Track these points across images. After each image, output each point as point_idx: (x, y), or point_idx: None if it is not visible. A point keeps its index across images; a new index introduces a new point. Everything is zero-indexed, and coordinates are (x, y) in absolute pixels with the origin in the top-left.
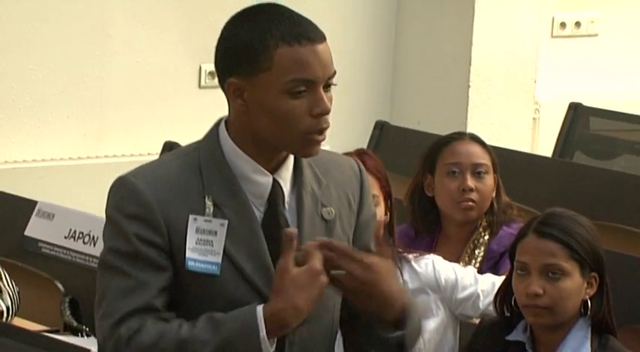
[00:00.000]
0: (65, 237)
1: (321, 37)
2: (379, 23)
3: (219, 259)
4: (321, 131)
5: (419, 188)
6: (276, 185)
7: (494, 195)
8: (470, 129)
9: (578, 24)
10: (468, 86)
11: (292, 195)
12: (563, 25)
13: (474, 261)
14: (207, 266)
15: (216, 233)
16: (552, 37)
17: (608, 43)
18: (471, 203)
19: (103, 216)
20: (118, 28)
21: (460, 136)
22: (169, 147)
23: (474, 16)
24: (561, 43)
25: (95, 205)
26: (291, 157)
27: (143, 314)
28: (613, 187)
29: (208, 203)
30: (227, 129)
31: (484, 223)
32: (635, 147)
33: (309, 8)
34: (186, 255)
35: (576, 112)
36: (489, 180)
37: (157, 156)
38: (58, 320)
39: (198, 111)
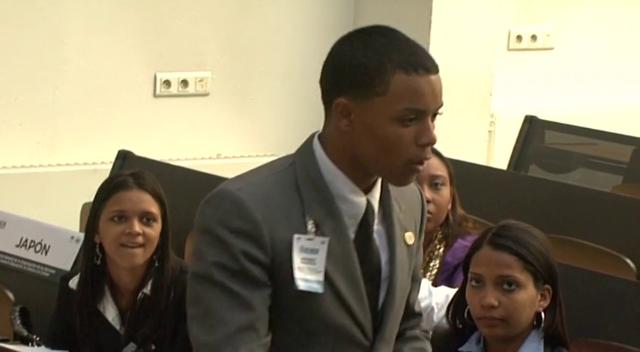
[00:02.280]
0: (16, 246)
1: (436, 68)
2: (337, 34)
3: (322, 277)
4: (423, 161)
5: None
6: (369, 206)
7: (449, 207)
8: None
9: (534, 37)
10: None
11: (379, 217)
12: (519, 38)
13: (429, 273)
14: (311, 285)
15: (317, 251)
16: (508, 50)
17: (563, 56)
18: (427, 214)
19: (55, 224)
20: (73, 35)
21: None
22: (123, 156)
23: (430, 28)
24: (517, 56)
25: (47, 213)
26: (379, 180)
27: (246, 334)
28: (567, 200)
29: (309, 221)
30: (322, 146)
31: (439, 235)
32: (589, 160)
33: (268, 16)
34: (295, 274)
35: (531, 125)
36: (446, 192)
37: (110, 166)
38: (8, 329)
39: (153, 120)
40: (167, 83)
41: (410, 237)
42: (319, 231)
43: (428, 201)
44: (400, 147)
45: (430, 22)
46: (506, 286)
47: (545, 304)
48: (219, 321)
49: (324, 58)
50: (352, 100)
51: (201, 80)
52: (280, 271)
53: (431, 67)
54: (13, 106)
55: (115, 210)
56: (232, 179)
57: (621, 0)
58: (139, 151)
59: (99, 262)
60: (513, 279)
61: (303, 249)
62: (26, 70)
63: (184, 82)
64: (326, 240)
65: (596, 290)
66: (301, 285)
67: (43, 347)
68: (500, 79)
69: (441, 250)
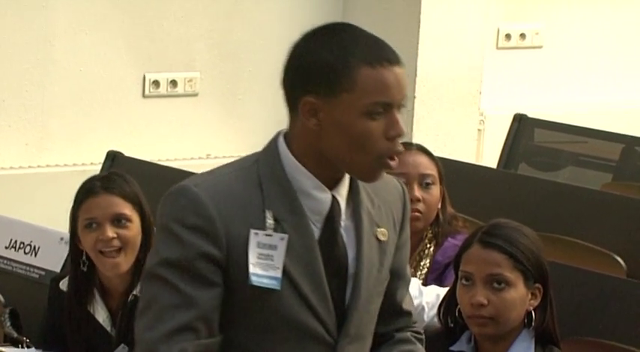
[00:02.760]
0: (6, 247)
1: (399, 60)
2: None
3: (279, 274)
4: (394, 155)
5: None
6: (335, 202)
7: (439, 206)
8: (415, 140)
9: (523, 36)
10: (414, 97)
11: (347, 213)
12: (508, 36)
13: (419, 273)
14: (268, 281)
15: (276, 247)
16: (497, 48)
17: (552, 54)
18: (417, 213)
19: (44, 225)
20: (61, 36)
21: (407, 147)
22: (113, 156)
23: (419, 27)
24: (506, 54)
25: (37, 215)
26: (347, 175)
27: (185, 334)
28: (557, 199)
29: (269, 217)
30: (287, 144)
31: (429, 234)
32: (579, 158)
33: (255, 11)
34: (250, 270)
35: (521, 124)
36: (436, 190)
37: (99, 167)
38: None
39: (142, 120)
40: (156, 83)
41: (383, 233)
42: (280, 227)
43: (418, 200)
44: (370, 141)
45: (419, 20)
46: (495, 285)
47: (536, 303)
48: (160, 318)
49: None
50: (319, 99)
51: (190, 80)
52: (236, 267)
53: (394, 60)
54: (2, 108)
55: (87, 218)
56: (194, 175)
57: None
58: (129, 152)
59: (85, 269)
60: (503, 278)
61: (260, 245)
62: (15, 71)
63: (173, 83)
64: (285, 236)
65: (586, 288)
66: (255, 281)
67: (33, 349)
68: (489, 77)
69: (431, 249)
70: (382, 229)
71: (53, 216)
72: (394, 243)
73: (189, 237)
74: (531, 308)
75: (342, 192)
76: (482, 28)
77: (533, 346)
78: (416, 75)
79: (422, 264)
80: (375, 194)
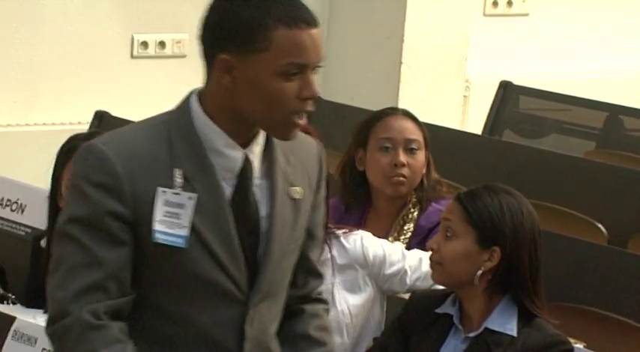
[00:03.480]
0: None
1: (315, 22)
2: None
3: (186, 232)
4: (304, 114)
5: (350, 162)
6: (247, 160)
7: (424, 171)
8: (401, 106)
9: (509, 3)
10: (400, 62)
11: (261, 172)
12: (495, 3)
13: (402, 237)
14: (174, 239)
15: (184, 206)
16: (484, 15)
17: (539, 22)
18: (402, 178)
19: (31, 183)
20: None
21: (394, 112)
22: (100, 116)
23: None
24: (493, 21)
25: (24, 173)
26: (262, 133)
27: (94, 293)
28: (541, 166)
29: (177, 176)
30: (200, 102)
31: (413, 199)
32: (563, 126)
33: None
34: (154, 227)
35: (506, 91)
36: (421, 156)
37: (87, 126)
38: None
39: (130, 80)
40: (144, 44)
41: (297, 192)
42: (189, 185)
43: (403, 165)
44: (283, 101)
45: None
46: (448, 234)
47: (491, 264)
48: (70, 278)
49: None
50: (234, 56)
51: (178, 42)
52: (143, 226)
53: (311, 21)
54: None
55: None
56: (105, 134)
57: None
58: (116, 112)
59: None
60: (451, 226)
61: (167, 203)
62: (3, 30)
63: (162, 44)
64: (194, 195)
65: (567, 255)
66: (159, 238)
67: (18, 305)
68: (475, 44)
69: (415, 214)
70: (296, 188)
71: (40, 175)
72: (310, 202)
73: (96, 195)
74: (485, 268)
75: (255, 150)
76: None
77: (516, 312)
78: (403, 41)
79: (405, 228)
80: (291, 153)
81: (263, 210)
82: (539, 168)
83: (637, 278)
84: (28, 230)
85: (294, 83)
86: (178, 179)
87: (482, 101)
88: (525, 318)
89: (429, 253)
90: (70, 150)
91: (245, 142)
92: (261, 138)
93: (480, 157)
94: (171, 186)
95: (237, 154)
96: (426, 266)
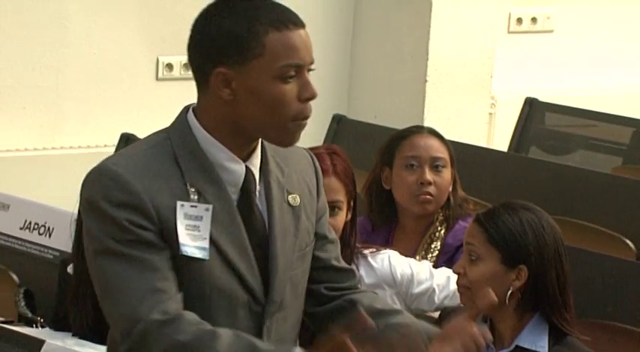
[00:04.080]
0: (20, 228)
1: (302, 23)
2: (337, 16)
3: (207, 244)
4: (307, 117)
5: (376, 181)
6: (249, 173)
7: (450, 189)
8: (426, 124)
9: (534, 20)
10: (425, 80)
11: (260, 183)
12: (519, 20)
13: (430, 255)
14: (197, 251)
15: (202, 218)
16: (509, 32)
17: (564, 39)
18: (428, 196)
19: (59, 207)
20: (75, 19)
21: (419, 130)
22: (126, 139)
23: (431, 10)
24: (518, 38)
25: (51, 196)
26: (259, 146)
27: (157, 295)
28: (568, 182)
29: (191, 189)
30: (197, 118)
31: (440, 217)
32: (589, 142)
33: None
34: (180, 240)
35: (532, 107)
36: (447, 174)
37: (113, 148)
38: (13, 311)
39: (155, 103)
40: (169, 66)
41: (294, 199)
42: (202, 198)
43: (429, 183)
44: (285, 104)
45: (431, 4)
46: (472, 256)
47: (519, 283)
48: (128, 289)
49: (324, 49)
50: (230, 68)
51: None
52: (170, 238)
53: (298, 22)
54: (16, 90)
55: None
56: (108, 157)
57: None
58: (142, 134)
59: None
60: (474, 250)
61: (187, 216)
62: (29, 53)
63: (187, 66)
64: (210, 206)
65: (596, 271)
66: (186, 251)
67: (47, 329)
68: (500, 61)
69: (442, 232)
70: (294, 195)
71: (67, 198)
72: (312, 208)
73: (121, 214)
74: (513, 288)
75: (256, 163)
76: (494, 11)
77: (547, 330)
78: (428, 58)
79: (433, 246)
80: (284, 163)
81: (266, 220)
82: (566, 185)
83: None
84: (56, 253)
85: (292, 85)
86: (192, 192)
87: (507, 118)
88: (556, 336)
89: None
90: None
91: (245, 156)
92: (259, 151)
93: (507, 174)
94: (187, 199)
95: (239, 168)
96: (454, 285)
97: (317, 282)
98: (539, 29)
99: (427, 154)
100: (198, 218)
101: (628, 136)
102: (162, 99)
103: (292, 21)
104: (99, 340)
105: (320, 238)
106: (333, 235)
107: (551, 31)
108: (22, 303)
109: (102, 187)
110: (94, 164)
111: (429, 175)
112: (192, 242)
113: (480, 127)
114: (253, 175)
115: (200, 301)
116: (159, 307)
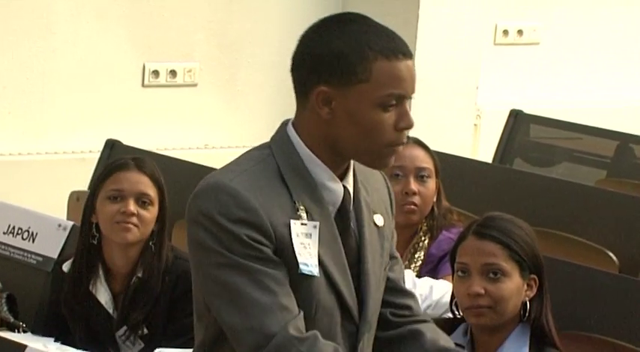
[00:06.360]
0: (4, 233)
1: (411, 53)
2: None
3: (317, 261)
4: (402, 144)
5: None
6: (346, 193)
7: (435, 199)
8: (412, 134)
9: (520, 32)
10: None
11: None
12: (505, 32)
13: (413, 265)
14: (310, 269)
15: (311, 235)
16: (495, 44)
17: (549, 51)
18: (413, 206)
19: (43, 212)
20: (62, 24)
21: None
22: (111, 145)
23: (417, 22)
24: (504, 50)
25: (35, 201)
26: (352, 166)
27: (283, 312)
28: (552, 194)
29: (300, 207)
30: (298, 134)
31: (424, 227)
32: (574, 155)
33: (250, 8)
34: (298, 259)
35: (517, 119)
36: (432, 184)
37: (97, 154)
38: None
39: (141, 109)
40: (155, 73)
41: (379, 219)
42: (309, 216)
43: (414, 193)
44: (381, 132)
45: (417, 15)
46: (491, 275)
47: (532, 294)
48: (256, 303)
49: None
50: (333, 88)
51: (189, 70)
52: (282, 255)
53: (407, 53)
54: (2, 94)
55: (113, 189)
56: (219, 172)
57: None
58: (127, 141)
59: (95, 242)
60: (498, 267)
61: (299, 234)
62: (15, 58)
63: (173, 72)
64: (317, 224)
65: (579, 284)
66: (304, 269)
67: (29, 334)
68: (486, 73)
69: (426, 242)
70: (378, 215)
71: (51, 203)
72: (390, 227)
73: (240, 230)
74: (527, 299)
75: (351, 182)
76: (480, 23)
77: (528, 341)
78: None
79: (416, 256)
80: (366, 182)
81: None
82: (550, 197)
83: None
84: (39, 258)
85: (391, 114)
86: (302, 210)
87: (492, 129)
88: (537, 348)
89: (440, 281)
90: (121, 166)
91: (341, 174)
92: (352, 170)
93: (491, 185)
94: (296, 217)
95: (339, 187)
96: (437, 295)
97: (385, 305)
98: (525, 41)
99: (412, 164)
100: (309, 235)
101: (612, 149)
102: (148, 106)
103: (402, 51)
104: (94, 339)
105: (393, 258)
106: (398, 255)
107: (537, 44)
108: (5, 308)
109: (219, 203)
110: (79, 170)
111: (413, 185)
112: (306, 260)
113: (465, 138)
114: (349, 194)
115: (306, 319)
116: (292, 323)
